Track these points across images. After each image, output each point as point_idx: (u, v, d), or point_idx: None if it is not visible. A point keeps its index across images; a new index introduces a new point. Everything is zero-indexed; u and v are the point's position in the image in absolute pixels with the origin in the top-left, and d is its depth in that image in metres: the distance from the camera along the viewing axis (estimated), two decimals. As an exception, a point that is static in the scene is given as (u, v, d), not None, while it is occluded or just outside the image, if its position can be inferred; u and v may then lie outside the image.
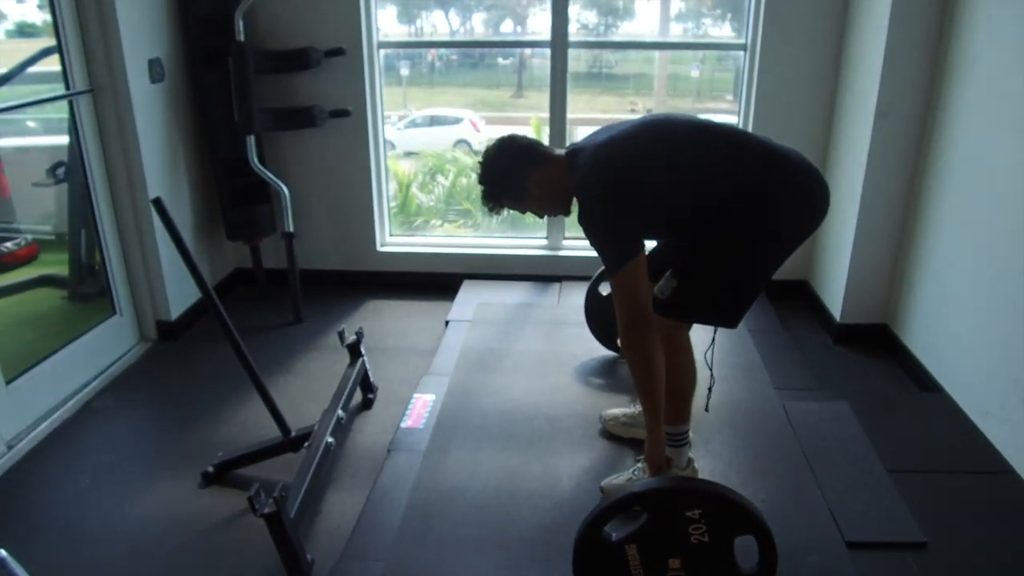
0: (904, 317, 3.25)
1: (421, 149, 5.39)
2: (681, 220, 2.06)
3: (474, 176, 2.28)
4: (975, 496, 2.31)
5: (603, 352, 3.12)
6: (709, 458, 2.41)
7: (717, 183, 1.97)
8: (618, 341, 3.08)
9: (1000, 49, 2.60)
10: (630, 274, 1.99)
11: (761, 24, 3.48)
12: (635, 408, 2.55)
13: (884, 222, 3.23)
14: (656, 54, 4.48)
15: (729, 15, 4.14)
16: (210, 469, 2.49)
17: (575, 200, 2.10)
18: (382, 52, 3.82)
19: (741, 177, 1.97)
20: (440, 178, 5.29)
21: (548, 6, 3.63)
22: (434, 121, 5.52)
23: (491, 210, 2.20)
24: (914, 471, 2.39)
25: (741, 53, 3.68)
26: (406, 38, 4.36)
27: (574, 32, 3.71)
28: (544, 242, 4.11)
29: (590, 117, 4.55)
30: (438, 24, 4.47)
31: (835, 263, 3.47)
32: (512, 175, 2.14)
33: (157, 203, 2.15)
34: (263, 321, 3.72)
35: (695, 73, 4.66)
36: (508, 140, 2.18)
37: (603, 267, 2.11)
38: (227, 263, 4.07)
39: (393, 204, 4.53)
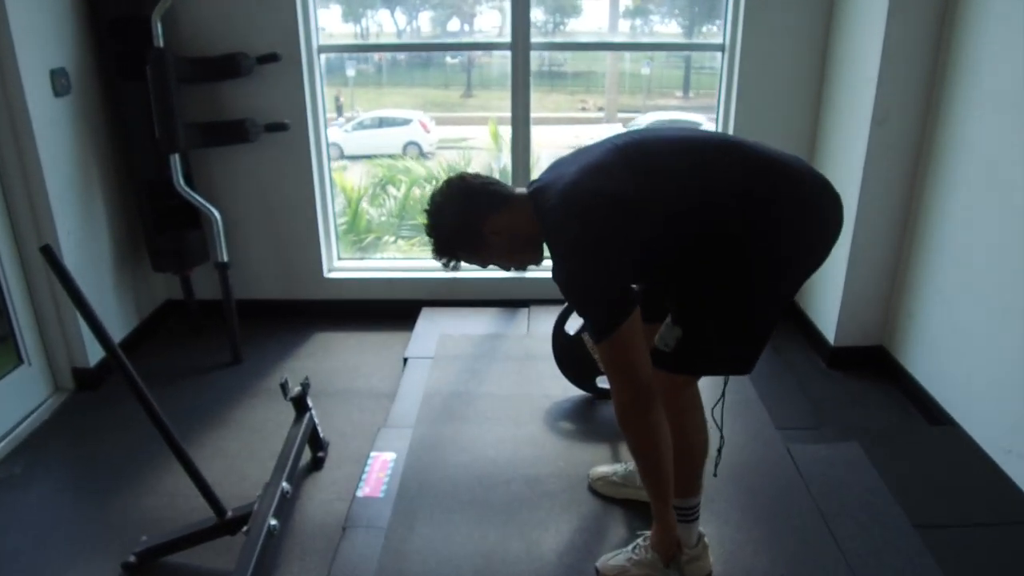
0: (904, 339, 2.99)
1: (370, 152, 5.09)
2: (683, 256, 1.69)
3: (427, 187, 1.90)
4: (1010, 552, 2.05)
5: (579, 391, 2.80)
6: (716, 523, 2.10)
7: (727, 206, 1.61)
8: (597, 382, 2.77)
9: (1009, 45, 2.34)
10: (623, 341, 1.59)
11: (741, 23, 3.19)
12: (627, 465, 2.24)
13: (882, 237, 2.97)
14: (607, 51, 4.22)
15: (676, 11, 3.90)
16: (132, 558, 2.09)
17: (545, 248, 1.74)
18: (323, 57, 3.43)
19: (753, 188, 1.62)
20: (392, 189, 4.93)
21: (497, 4, 3.29)
22: (383, 122, 5.29)
23: (446, 266, 1.81)
24: (941, 526, 2.12)
25: (718, 54, 3.39)
26: (351, 38, 3.99)
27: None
28: (508, 261, 3.77)
29: (540, 116, 4.28)
30: (384, 23, 4.12)
31: (828, 281, 3.19)
32: (465, 222, 1.75)
33: (46, 251, 1.76)
34: (197, 362, 3.30)
35: (645, 71, 4.53)
36: (456, 181, 1.79)
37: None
38: (156, 296, 3.64)
39: (342, 222, 4.15)
